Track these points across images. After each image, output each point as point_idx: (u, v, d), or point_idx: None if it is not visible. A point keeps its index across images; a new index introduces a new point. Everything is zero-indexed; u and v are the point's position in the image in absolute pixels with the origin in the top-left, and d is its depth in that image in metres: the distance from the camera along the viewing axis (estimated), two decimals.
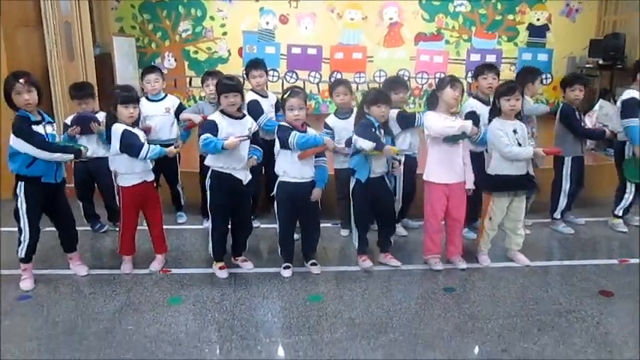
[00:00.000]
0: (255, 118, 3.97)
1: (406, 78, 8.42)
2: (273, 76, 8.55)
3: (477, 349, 2.82)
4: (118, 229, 4.43)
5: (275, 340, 2.90)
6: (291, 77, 8.61)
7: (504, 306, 3.25)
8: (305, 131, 3.52)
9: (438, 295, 3.39)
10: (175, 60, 8.50)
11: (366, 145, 3.42)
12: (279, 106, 4.48)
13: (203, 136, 3.41)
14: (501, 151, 3.61)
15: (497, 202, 3.73)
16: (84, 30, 5.97)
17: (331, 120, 4.19)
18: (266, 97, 4.45)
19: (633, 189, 4.45)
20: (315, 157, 3.57)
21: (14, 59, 5.33)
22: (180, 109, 4.65)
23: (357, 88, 8.47)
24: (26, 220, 3.44)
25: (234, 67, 8.45)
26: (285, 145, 3.46)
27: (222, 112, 3.51)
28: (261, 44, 8.51)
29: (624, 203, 4.50)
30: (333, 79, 8.49)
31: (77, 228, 3.81)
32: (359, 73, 8.57)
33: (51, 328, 3.04)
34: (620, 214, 4.53)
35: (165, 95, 4.68)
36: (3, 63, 5.20)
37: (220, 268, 3.71)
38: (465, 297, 3.37)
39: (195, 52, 8.48)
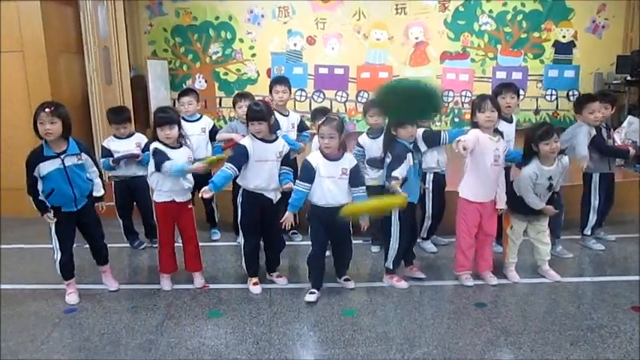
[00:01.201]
0: None
1: None
2: (300, 95, 8.76)
3: None
4: (155, 245, 4.62)
5: (312, 353, 3.00)
6: (318, 97, 8.78)
7: (536, 321, 3.29)
8: (341, 156, 3.57)
9: (470, 310, 3.45)
10: (206, 81, 8.75)
11: (399, 173, 3.49)
12: (303, 126, 4.69)
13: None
14: (524, 196, 3.72)
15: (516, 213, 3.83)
16: (121, 54, 6.25)
17: (363, 139, 4.30)
18: (286, 115, 4.57)
19: None
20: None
21: (56, 84, 5.61)
22: (214, 129, 4.84)
23: None
24: (56, 240, 3.61)
25: (262, 88, 8.63)
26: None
27: (254, 135, 3.65)
28: (289, 65, 8.71)
29: None
30: (361, 99, 8.66)
31: (117, 245, 3.98)
32: None
33: (97, 339, 3.18)
34: None
35: (201, 116, 4.88)
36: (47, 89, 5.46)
37: (254, 284, 3.82)
38: (496, 312, 3.42)
39: (225, 74, 8.73)
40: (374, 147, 4.14)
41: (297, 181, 3.58)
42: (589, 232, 4.50)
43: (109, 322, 3.40)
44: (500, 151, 3.69)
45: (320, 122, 3.56)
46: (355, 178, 3.59)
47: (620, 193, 4.76)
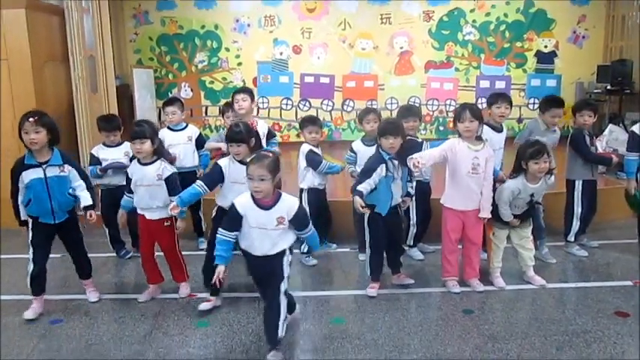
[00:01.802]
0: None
1: (417, 105, 8.61)
2: (286, 104, 8.80)
3: None
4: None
5: None
6: (304, 105, 8.83)
7: (522, 327, 3.33)
8: (275, 202, 2.94)
9: (457, 317, 3.48)
10: (192, 90, 8.76)
11: (363, 187, 3.53)
12: (271, 134, 4.61)
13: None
14: (498, 205, 3.80)
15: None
16: (107, 63, 6.25)
17: (357, 145, 4.39)
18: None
19: None
20: None
21: (42, 93, 5.57)
22: (200, 138, 4.84)
23: None
24: (31, 250, 3.56)
25: None
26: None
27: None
28: (275, 74, 8.76)
29: None
30: (347, 107, 8.72)
31: (103, 254, 3.95)
32: (371, 101, 8.77)
33: (84, 351, 3.16)
34: None
35: (187, 125, 4.87)
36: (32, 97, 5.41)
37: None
38: (483, 318, 3.46)
39: (211, 82, 8.74)
40: (367, 154, 4.08)
41: (220, 229, 2.97)
42: (572, 239, 4.57)
43: (95, 333, 3.37)
44: (481, 160, 3.69)
45: (249, 160, 2.95)
46: (300, 224, 2.98)
47: (603, 200, 4.84)
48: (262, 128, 4.50)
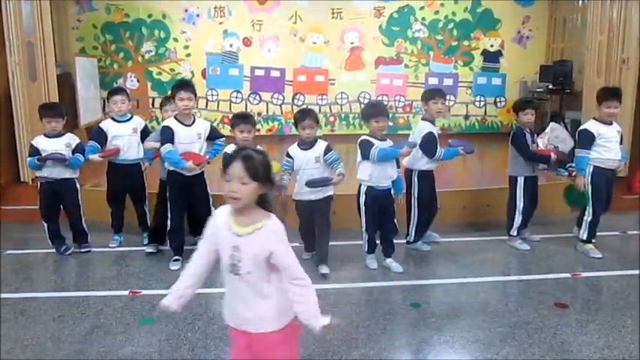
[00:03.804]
0: (161, 144, 4.03)
1: (367, 100, 8.69)
2: (236, 97, 8.68)
3: None
4: (83, 250, 4.46)
5: None
6: (254, 99, 8.73)
7: (467, 319, 3.40)
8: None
9: (405, 311, 3.52)
10: (138, 81, 8.51)
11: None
12: (215, 133, 4.31)
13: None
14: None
15: None
16: (46, 50, 5.98)
17: (293, 150, 4.02)
18: (189, 124, 4.13)
19: (591, 210, 4.44)
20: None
21: None
22: (146, 129, 4.68)
23: (320, 110, 8.69)
24: None
25: (197, 88, 8.43)
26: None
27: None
28: (225, 66, 8.62)
29: (585, 226, 4.50)
30: (297, 102, 8.68)
31: (42, 250, 3.78)
32: (321, 96, 8.77)
33: (20, 352, 3.01)
34: (585, 237, 4.51)
35: (132, 116, 4.68)
36: None
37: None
38: (430, 312, 3.51)
39: (159, 74, 8.52)
40: (305, 159, 3.95)
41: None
42: (515, 233, 4.71)
43: (33, 332, 3.22)
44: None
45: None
46: None
47: (544, 196, 5.01)
48: (199, 128, 4.19)
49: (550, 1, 8.86)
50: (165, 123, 4.13)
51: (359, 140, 4.05)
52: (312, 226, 4.10)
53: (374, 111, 4.02)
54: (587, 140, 4.38)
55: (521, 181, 4.62)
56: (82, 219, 4.50)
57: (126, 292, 3.76)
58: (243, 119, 3.94)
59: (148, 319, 3.38)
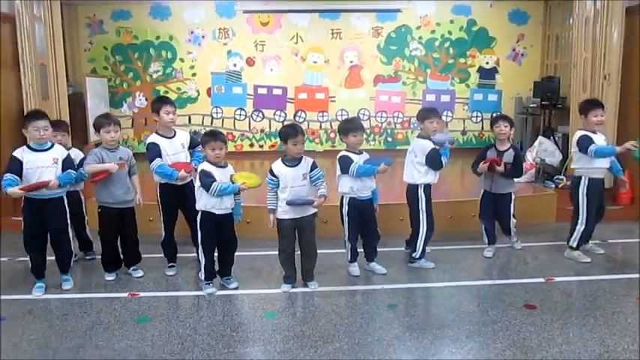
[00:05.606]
0: (150, 161, 4.19)
1: (366, 117, 9.02)
2: (240, 115, 9.04)
3: (410, 355, 3.19)
4: (88, 258, 4.76)
5: (232, 351, 3.23)
6: (257, 116, 9.08)
7: (439, 319, 3.64)
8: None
9: (382, 311, 3.77)
10: (146, 99, 8.89)
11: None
12: (195, 142, 4.47)
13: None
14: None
15: None
16: (59, 71, 6.36)
17: (277, 166, 3.96)
18: (171, 137, 4.33)
19: (584, 220, 4.61)
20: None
21: None
22: (68, 159, 4.08)
23: (321, 126, 9.04)
24: None
25: (203, 106, 9.00)
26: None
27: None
28: (229, 85, 9.00)
29: (576, 235, 4.67)
30: (299, 119, 9.01)
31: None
32: (322, 112, 9.09)
33: (26, 345, 3.31)
34: (575, 245, 4.70)
35: (52, 144, 4.04)
36: None
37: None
38: (405, 312, 3.76)
39: (166, 92, 8.90)
40: (290, 175, 3.95)
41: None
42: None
43: (38, 328, 3.53)
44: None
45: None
46: None
47: (529, 206, 5.24)
48: (182, 139, 4.40)
49: (543, 20, 9.13)
50: (150, 140, 4.29)
51: (338, 156, 4.26)
52: (293, 249, 4.10)
53: (351, 126, 4.26)
54: (590, 141, 4.49)
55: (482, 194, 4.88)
56: (87, 228, 4.80)
57: (125, 294, 4.06)
58: (213, 137, 3.89)
59: (144, 317, 3.67)
